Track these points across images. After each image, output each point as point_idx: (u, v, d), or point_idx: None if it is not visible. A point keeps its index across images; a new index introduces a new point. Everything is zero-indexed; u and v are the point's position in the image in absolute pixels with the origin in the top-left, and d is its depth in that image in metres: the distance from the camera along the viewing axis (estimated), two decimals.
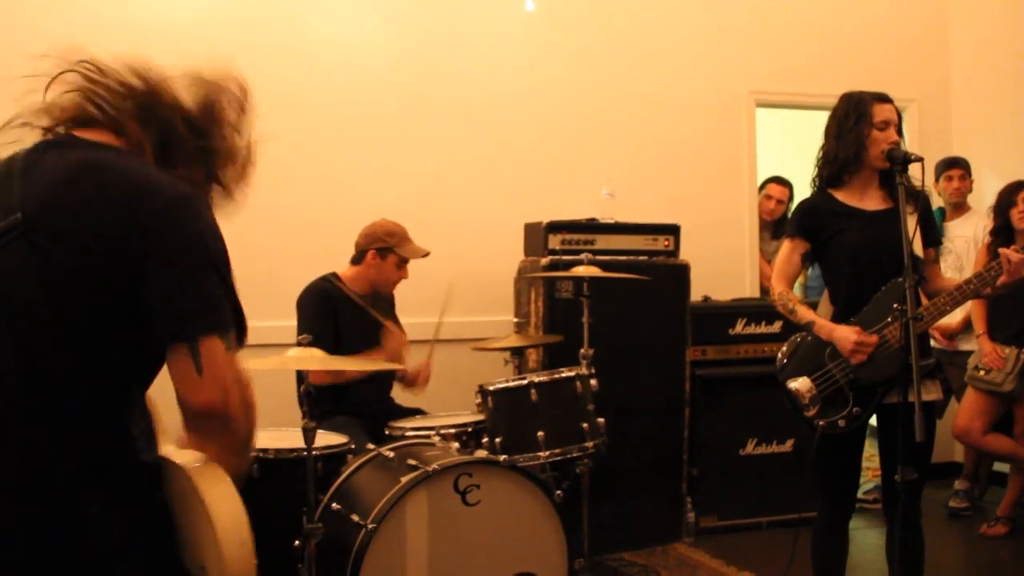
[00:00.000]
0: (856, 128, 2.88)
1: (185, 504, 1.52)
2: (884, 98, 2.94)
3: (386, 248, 3.87)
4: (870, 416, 2.89)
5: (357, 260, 3.94)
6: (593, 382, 3.52)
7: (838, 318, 2.93)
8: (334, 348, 3.48)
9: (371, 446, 3.21)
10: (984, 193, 5.17)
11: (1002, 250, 2.81)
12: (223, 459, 1.54)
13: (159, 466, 1.55)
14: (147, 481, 1.52)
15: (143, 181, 1.48)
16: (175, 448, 1.56)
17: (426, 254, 3.93)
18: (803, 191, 3.20)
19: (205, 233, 1.49)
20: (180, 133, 1.57)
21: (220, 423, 1.47)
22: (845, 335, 2.83)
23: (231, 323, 1.48)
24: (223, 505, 1.47)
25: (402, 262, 3.91)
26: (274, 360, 2.65)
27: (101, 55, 1.58)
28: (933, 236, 3.01)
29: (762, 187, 5.53)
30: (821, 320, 2.93)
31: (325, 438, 3.19)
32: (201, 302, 1.45)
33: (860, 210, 2.95)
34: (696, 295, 4.66)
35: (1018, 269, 2.76)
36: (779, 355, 3.03)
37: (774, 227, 5.45)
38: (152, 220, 1.44)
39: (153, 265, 1.43)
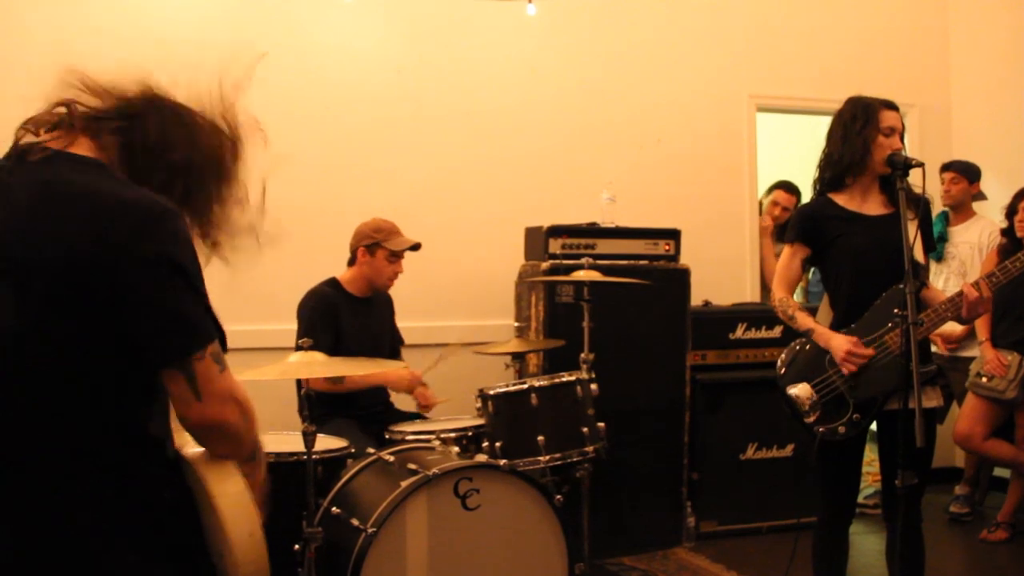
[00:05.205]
0: (863, 132, 2.89)
1: (199, 495, 1.56)
2: (891, 105, 2.95)
3: (374, 244, 3.88)
4: (870, 423, 2.89)
5: (351, 262, 3.97)
6: (593, 386, 3.52)
7: (838, 323, 2.92)
8: (333, 353, 3.47)
9: (371, 450, 3.21)
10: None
11: (964, 285, 2.80)
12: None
13: (177, 459, 1.56)
14: (162, 479, 1.51)
15: (113, 202, 1.42)
16: (190, 440, 1.57)
17: (416, 246, 3.93)
18: (807, 196, 3.19)
19: (180, 252, 1.44)
20: (149, 143, 1.52)
21: (221, 435, 1.50)
22: (839, 344, 2.83)
23: (215, 338, 1.47)
24: (229, 498, 1.51)
25: (392, 256, 3.91)
26: (275, 368, 2.65)
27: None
28: (928, 243, 3.00)
29: (769, 191, 5.50)
30: (820, 327, 2.93)
31: (325, 442, 3.19)
32: (188, 325, 1.43)
33: (861, 215, 2.94)
34: (696, 299, 4.66)
35: (974, 306, 2.76)
36: (779, 361, 3.02)
37: (778, 232, 5.42)
38: (126, 242, 1.39)
39: (131, 290, 1.39)
